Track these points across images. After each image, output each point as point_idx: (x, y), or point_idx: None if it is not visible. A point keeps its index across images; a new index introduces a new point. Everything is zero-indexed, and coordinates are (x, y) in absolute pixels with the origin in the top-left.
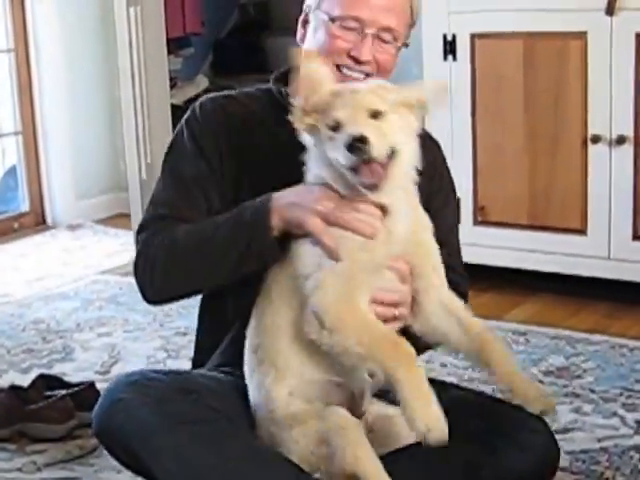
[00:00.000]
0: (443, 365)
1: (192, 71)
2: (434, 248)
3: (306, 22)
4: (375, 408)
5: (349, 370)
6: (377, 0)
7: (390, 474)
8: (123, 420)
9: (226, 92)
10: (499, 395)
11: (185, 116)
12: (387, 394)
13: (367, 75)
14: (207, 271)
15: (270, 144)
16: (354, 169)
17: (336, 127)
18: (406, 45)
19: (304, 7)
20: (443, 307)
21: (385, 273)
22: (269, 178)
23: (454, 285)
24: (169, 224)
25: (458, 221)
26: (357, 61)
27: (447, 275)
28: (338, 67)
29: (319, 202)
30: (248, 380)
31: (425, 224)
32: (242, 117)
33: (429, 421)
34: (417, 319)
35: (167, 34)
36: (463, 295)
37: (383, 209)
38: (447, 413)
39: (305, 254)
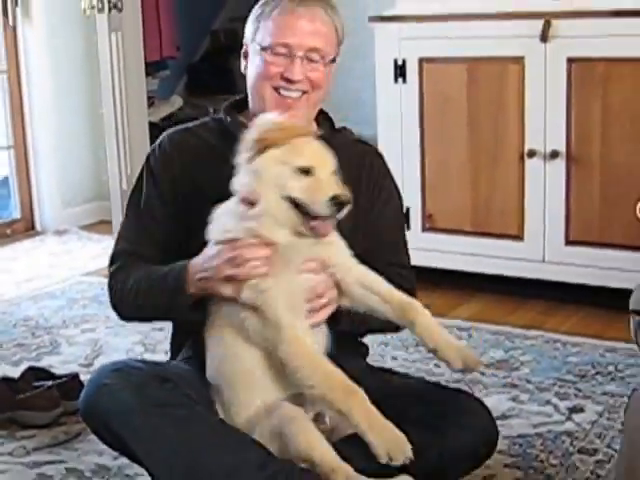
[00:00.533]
0: (394, 358)
1: (168, 91)
2: (341, 243)
3: (247, 54)
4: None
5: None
6: (303, 26)
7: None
8: (107, 402)
9: (184, 125)
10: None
11: (149, 152)
12: None
13: (304, 93)
14: (150, 314)
15: (220, 171)
16: (311, 218)
17: (306, 172)
18: (333, 60)
19: (244, 41)
20: (360, 284)
21: (299, 278)
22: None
23: (398, 282)
24: (129, 262)
25: (403, 222)
26: (290, 81)
27: (390, 271)
28: (276, 90)
29: (223, 266)
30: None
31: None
32: (196, 148)
33: (389, 446)
34: (342, 298)
35: (145, 58)
36: (408, 291)
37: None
38: (393, 400)
39: (228, 311)
